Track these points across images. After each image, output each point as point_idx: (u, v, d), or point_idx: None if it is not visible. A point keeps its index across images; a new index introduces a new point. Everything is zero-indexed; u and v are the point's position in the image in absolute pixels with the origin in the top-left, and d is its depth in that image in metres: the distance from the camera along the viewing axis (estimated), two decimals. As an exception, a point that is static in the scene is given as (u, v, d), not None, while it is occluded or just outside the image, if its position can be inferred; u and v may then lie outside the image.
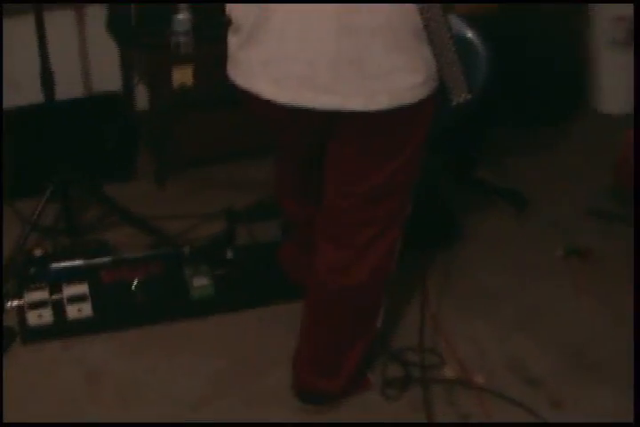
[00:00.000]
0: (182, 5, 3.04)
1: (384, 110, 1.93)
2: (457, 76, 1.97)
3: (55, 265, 2.78)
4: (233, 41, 2.01)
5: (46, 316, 2.69)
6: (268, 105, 1.99)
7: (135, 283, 2.79)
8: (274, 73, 1.93)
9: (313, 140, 2.13)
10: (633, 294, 2.48)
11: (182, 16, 3.06)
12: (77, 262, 2.81)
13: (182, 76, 3.13)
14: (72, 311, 2.71)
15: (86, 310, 2.72)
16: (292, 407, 2.50)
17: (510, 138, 3.75)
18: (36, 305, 2.69)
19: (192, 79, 3.15)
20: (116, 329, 2.72)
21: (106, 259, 2.85)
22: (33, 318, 2.68)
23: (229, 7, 2.01)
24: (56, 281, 2.75)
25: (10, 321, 2.72)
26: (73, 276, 2.77)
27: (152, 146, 3.42)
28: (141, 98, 3.51)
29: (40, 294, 2.71)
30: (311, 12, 1.86)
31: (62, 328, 2.70)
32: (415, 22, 1.87)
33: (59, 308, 2.71)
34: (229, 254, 2.91)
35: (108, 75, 3.47)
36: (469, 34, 2.05)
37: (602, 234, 3.26)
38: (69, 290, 2.73)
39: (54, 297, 2.72)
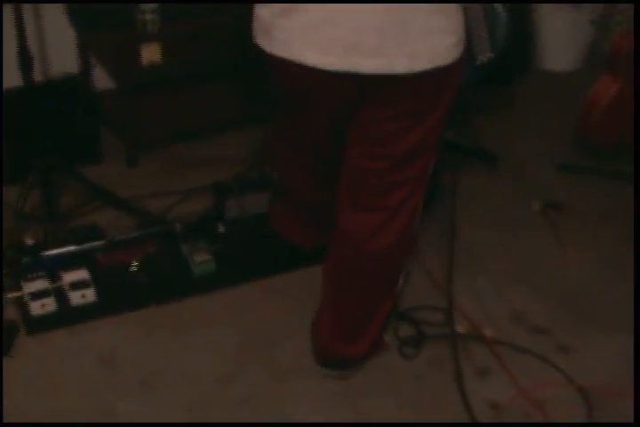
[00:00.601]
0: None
1: (424, 71, 1.95)
2: (482, 35, 2.02)
3: (48, 253, 2.71)
4: (265, 11, 1.98)
5: (50, 304, 2.63)
6: (307, 73, 1.97)
7: (134, 264, 2.77)
8: (318, 39, 1.92)
9: (341, 108, 2.13)
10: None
11: (147, -7, 3.01)
12: (71, 248, 2.75)
13: (151, 54, 3.08)
14: (75, 298, 2.66)
15: (90, 295, 2.67)
16: (316, 375, 2.52)
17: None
18: (37, 295, 2.62)
19: (160, 57, 3.10)
20: (122, 312, 2.69)
21: (99, 242, 2.79)
22: (36, 308, 2.62)
23: None
24: (51, 269, 2.69)
25: (10, 314, 2.64)
26: (68, 262, 2.72)
27: (119, 126, 3.35)
28: (101, 78, 3.43)
29: (40, 284, 2.64)
30: None
31: (67, 316, 2.65)
32: None
33: (61, 295, 2.66)
34: (221, 228, 2.90)
35: (63, 57, 3.37)
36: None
37: (572, 186, 3.37)
38: (69, 276, 2.67)
39: (55, 285, 2.66)
